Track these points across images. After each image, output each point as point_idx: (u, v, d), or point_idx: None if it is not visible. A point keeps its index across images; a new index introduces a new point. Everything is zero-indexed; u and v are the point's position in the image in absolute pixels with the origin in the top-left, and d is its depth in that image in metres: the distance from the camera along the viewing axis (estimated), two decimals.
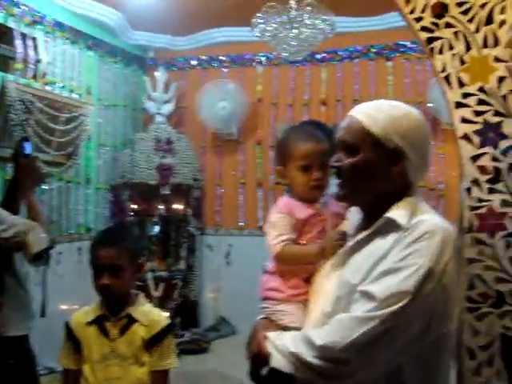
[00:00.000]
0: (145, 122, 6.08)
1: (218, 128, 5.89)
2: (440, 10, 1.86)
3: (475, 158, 1.84)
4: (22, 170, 2.77)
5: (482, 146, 1.83)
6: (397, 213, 1.47)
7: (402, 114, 1.49)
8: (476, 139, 1.83)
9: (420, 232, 1.40)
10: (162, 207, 5.65)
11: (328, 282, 1.59)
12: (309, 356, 1.41)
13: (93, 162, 5.32)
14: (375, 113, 1.49)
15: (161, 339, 2.19)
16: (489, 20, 1.82)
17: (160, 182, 5.53)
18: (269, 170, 5.86)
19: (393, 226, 1.46)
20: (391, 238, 1.45)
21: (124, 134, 5.76)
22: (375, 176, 1.50)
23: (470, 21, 1.83)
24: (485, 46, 1.83)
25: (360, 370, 1.40)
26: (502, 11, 1.81)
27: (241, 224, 5.97)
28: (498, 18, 1.81)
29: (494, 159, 1.83)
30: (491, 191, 1.83)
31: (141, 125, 6.06)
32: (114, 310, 2.20)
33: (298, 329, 1.64)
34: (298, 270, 1.85)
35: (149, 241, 5.65)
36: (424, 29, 1.88)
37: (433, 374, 1.48)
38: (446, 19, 1.85)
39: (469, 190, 1.84)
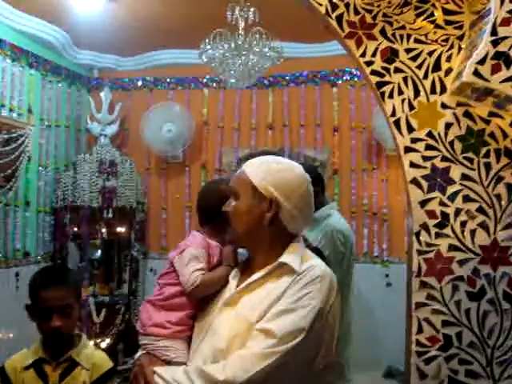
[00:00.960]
0: (88, 143, 5.95)
1: (162, 150, 5.82)
2: (390, 55, 1.87)
3: (424, 202, 1.85)
4: None
5: (431, 190, 1.85)
6: (289, 258, 1.64)
7: (281, 168, 1.69)
8: (424, 184, 1.85)
9: (312, 276, 1.59)
10: (105, 231, 5.52)
11: (219, 320, 1.68)
12: None
13: (33, 183, 5.14)
14: (259, 165, 1.70)
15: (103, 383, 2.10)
16: (436, 67, 1.85)
17: (103, 204, 5.40)
18: None
19: (286, 270, 1.63)
20: (285, 280, 1.61)
21: (66, 156, 5.60)
22: (252, 219, 1.67)
23: (419, 67, 1.86)
24: (433, 92, 1.85)
25: None
26: (449, 59, 1.84)
27: None
28: (444, 65, 1.85)
29: (442, 204, 1.85)
30: (438, 235, 1.85)
31: (84, 146, 5.92)
32: (55, 352, 2.09)
33: (183, 363, 1.72)
34: (184, 303, 1.91)
35: (91, 265, 5.50)
36: (374, 73, 1.89)
37: None
38: (396, 64, 1.87)
39: (418, 234, 1.85)
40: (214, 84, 5.88)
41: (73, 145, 5.74)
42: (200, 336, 1.75)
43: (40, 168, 5.24)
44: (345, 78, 5.65)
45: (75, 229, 5.44)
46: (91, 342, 2.27)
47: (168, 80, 5.95)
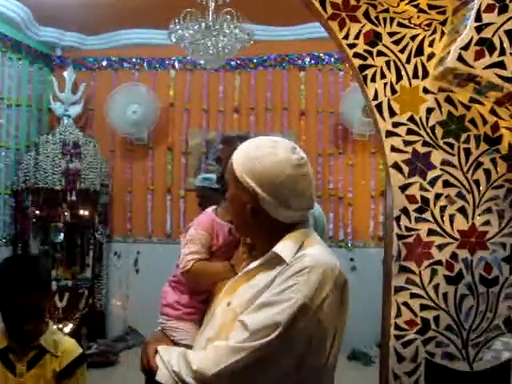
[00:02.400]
0: (51, 123, 5.82)
1: (127, 132, 5.73)
2: (373, 38, 1.86)
3: (404, 187, 1.86)
4: None
5: (411, 175, 1.85)
6: (282, 247, 1.53)
7: (259, 155, 1.54)
8: (405, 168, 1.85)
9: (300, 266, 1.46)
10: (68, 213, 5.41)
11: (218, 308, 1.64)
12: (187, 376, 1.47)
13: None
14: (241, 152, 1.59)
15: (73, 371, 2.04)
16: (419, 51, 1.84)
17: (66, 187, 5.30)
18: (179, 177, 5.76)
19: (278, 260, 1.52)
20: (275, 271, 1.51)
21: (28, 136, 5.47)
22: (239, 210, 1.59)
23: (402, 51, 1.85)
24: (415, 76, 1.85)
25: None
26: (431, 44, 1.84)
27: (150, 231, 5.83)
28: (427, 50, 1.84)
29: (422, 188, 1.85)
30: (418, 220, 1.86)
31: (46, 126, 5.79)
32: (21, 340, 1.99)
33: (188, 346, 1.69)
34: (198, 288, 1.88)
35: (53, 248, 5.39)
36: (357, 55, 1.87)
37: None
38: (379, 47, 1.85)
39: (398, 218, 1.86)
40: (181, 65, 5.80)
41: (35, 125, 5.61)
42: (205, 323, 1.70)
43: (0, 148, 5.09)
44: (313, 62, 5.64)
45: (37, 211, 5.33)
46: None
47: (134, 60, 5.86)
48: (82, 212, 5.50)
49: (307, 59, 5.63)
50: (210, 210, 2.01)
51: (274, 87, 5.69)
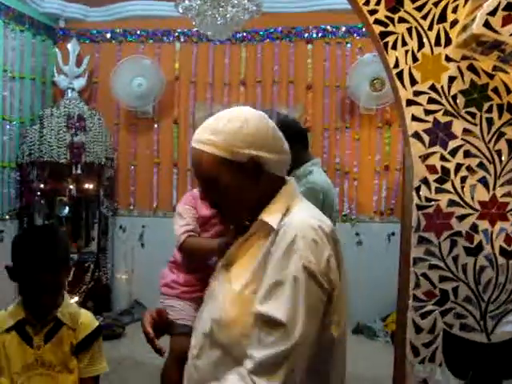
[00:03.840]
0: (55, 96, 5.75)
1: (132, 105, 5.67)
2: (394, 4, 1.81)
3: (425, 156, 1.83)
4: None
5: (432, 145, 1.83)
6: (268, 214, 1.45)
7: (239, 126, 1.44)
8: (426, 138, 1.82)
9: (291, 235, 1.37)
10: (73, 187, 5.38)
11: (217, 284, 1.55)
12: None
13: None
14: (213, 137, 1.44)
15: (90, 343, 2.04)
16: (442, 18, 1.80)
17: (71, 160, 5.25)
18: (185, 151, 5.72)
19: (267, 227, 1.44)
20: (268, 241, 1.42)
21: (32, 109, 5.40)
22: (244, 193, 1.47)
23: (424, 18, 1.81)
24: (437, 44, 1.81)
25: None
26: (455, 10, 1.80)
27: (155, 205, 5.82)
28: (450, 16, 1.80)
29: (443, 159, 1.83)
30: (439, 191, 1.83)
31: (50, 100, 5.72)
32: (38, 313, 1.98)
33: (185, 326, 1.71)
34: (194, 265, 1.88)
35: (58, 222, 5.37)
36: (377, 22, 1.83)
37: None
38: (400, 14, 1.81)
39: (418, 188, 1.83)
40: (186, 38, 5.72)
41: (39, 98, 5.54)
42: (205, 300, 1.62)
43: (4, 122, 5.05)
44: (320, 35, 5.56)
45: (42, 185, 5.28)
46: None
47: (138, 32, 5.76)
48: (87, 186, 5.47)
49: (314, 32, 5.55)
50: (189, 191, 2.03)
51: (281, 60, 5.62)
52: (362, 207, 5.64)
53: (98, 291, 5.46)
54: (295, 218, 1.43)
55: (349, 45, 5.51)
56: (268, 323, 1.33)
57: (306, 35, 5.57)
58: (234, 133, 1.43)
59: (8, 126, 5.09)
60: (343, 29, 5.47)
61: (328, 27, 5.48)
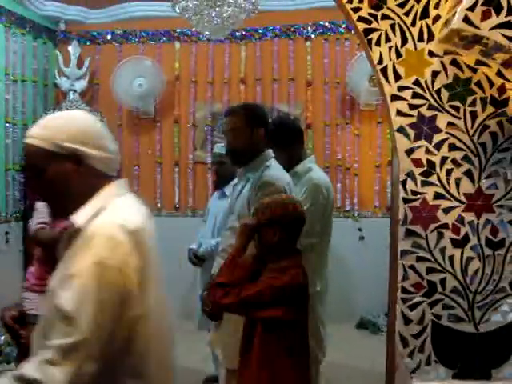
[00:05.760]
0: (57, 98, 5.80)
1: (133, 106, 5.72)
2: (377, 1, 1.84)
3: (410, 150, 1.86)
4: None
5: (417, 139, 1.85)
6: (77, 214, 1.49)
7: (64, 122, 1.55)
8: (411, 132, 1.85)
9: (91, 232, 1.42)
10: None
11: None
12: None
13: (0, 141, 5.03)
14: (41, 131, 1.53)
15: None
16: (424, 14, 1.83)
17: None
18: (186, 150, 5.77)
19: (76, 228, 1.48)
20: (76, 240, 1.46)
21: (34, 112, 5.45)
22: (68, 185, 1.52)
23: (407, 14, 1.83)
24: (420, 39, 1.84)
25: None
26: (437, 6, 1.82)
27: (158, 205, 5.85)
28: (433, 12, 1.83)
29: (428, 152, 1.86)
30: (424, 184, 1.86)
31: (52, 102, 5.77)
32: None
33: (35, 316, 1.61)
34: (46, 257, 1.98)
35: None
36: (361, 19, 1.86)
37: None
38: (384, 11, 1.84)
39: (404, 182, 1.86)
40: (186, 37, 5.76)
41: (41, 101, 5.59)
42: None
43: (7, 125, 5.11)
44: (319, 31, 5.59)
45: None
46: None
47: (138, 33, 5.81)
48: None
49: (313, 29, 5.57)
50: None
51: (280, 58, 5.64)
52: (363, 203, 5.66)
53: None
54: (101, 217, 1.47)
55: (347, 41, 5.53)
56: (59, 315, 1.37)
57: (305, 32, 5.60)
58: (59, 127, 1.52)
59: (11, 129, 5.15)
60: (341, 25, 5.49)
61: (326, 24, 5.51)
